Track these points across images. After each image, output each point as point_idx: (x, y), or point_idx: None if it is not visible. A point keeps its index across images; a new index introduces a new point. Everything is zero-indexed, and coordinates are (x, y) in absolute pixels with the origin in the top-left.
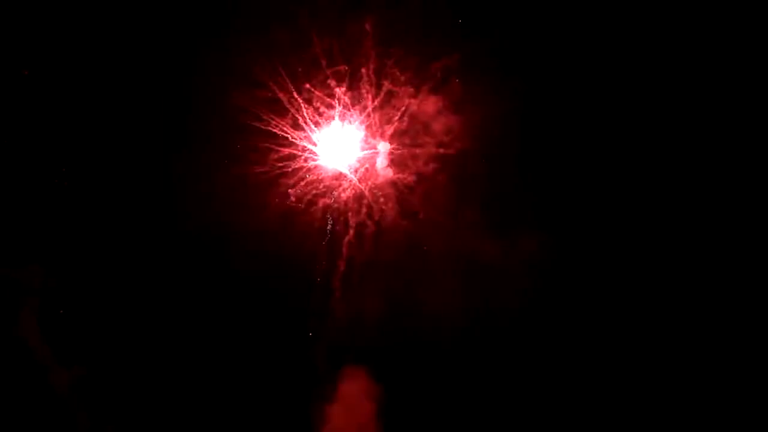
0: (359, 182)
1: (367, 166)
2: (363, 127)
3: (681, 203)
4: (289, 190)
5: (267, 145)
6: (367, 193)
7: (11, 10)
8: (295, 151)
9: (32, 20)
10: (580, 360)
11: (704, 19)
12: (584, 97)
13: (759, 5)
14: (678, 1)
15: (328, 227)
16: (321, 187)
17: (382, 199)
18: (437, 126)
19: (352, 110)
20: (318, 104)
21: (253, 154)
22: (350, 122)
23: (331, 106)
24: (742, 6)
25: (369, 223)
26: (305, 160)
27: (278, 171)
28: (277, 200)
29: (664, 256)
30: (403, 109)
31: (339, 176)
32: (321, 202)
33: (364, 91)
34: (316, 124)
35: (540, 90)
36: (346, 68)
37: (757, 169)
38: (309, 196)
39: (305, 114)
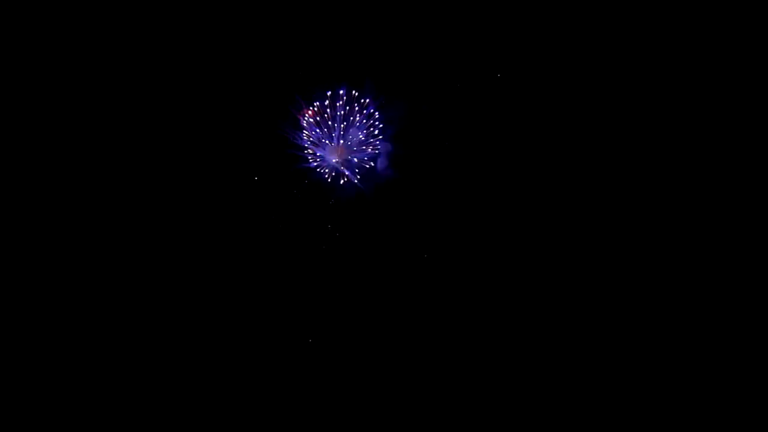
0: (359, 182)
1: (367, 166)
2: (364, 126)
3: (679, 204)
4: (289, 191)
5: (266, 145)
6: (367, 193)
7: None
8: (295, 151)
9: (33, 20)
10: (579, 360)
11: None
12: (584, 97)
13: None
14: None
15: (329, 228)
16: (321, 186)
17: (382, 199)
18: (439, 126)
19: (352, 110)
20: (318, 103)
21: (252, 154)
22: (351, 122)
23: (331, 106)
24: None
25: (369, 223)
26: (305, 160)
27: (278, 171)
28: (276, 200)
29: (662, 257)
30: (405, 108)
31: (339, 176)
32: (321, 203)
33: (364, 90)
34: (317, 123)
35: (540, 90)
36: (347, 67)
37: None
38: (309, 196)
39: (305, 113)
